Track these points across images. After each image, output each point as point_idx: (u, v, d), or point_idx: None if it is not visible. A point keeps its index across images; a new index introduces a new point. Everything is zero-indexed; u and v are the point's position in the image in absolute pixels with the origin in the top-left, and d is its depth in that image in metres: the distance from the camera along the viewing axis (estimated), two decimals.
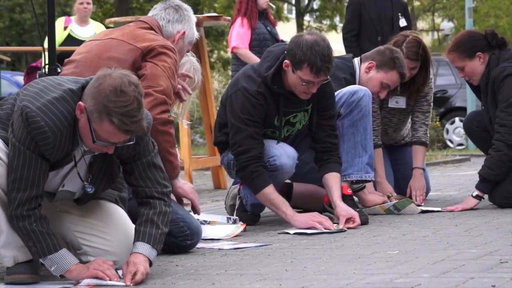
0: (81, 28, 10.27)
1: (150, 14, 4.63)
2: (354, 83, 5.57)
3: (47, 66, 5.41)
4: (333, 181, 5.08)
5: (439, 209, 5.69)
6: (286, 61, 4.90)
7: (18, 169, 3.36)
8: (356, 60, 5.70)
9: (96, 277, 3.39)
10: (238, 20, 9.54)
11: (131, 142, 3.42)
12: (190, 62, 4.99)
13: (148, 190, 3.62)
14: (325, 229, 4.79)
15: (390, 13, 8.99)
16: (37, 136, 3.33)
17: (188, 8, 4.65)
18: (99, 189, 3.65)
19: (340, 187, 5.08)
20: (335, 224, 4.88)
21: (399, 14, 9.01)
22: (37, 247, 3.40)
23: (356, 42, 8.82)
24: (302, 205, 5.74)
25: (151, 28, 4.47)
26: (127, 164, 3.63)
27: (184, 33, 4.55)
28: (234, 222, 5.03)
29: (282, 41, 9.24)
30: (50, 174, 3.49)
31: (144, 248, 3.52)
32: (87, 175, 3.58)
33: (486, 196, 5.69)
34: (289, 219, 4.88)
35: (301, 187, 5.53)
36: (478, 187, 5.62)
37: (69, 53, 9.66)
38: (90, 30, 10.24)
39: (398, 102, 6.08)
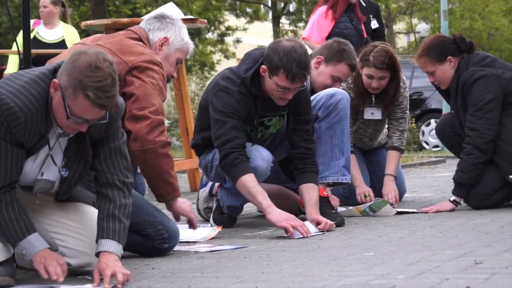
0: (48, 31, 10.18)
1: (136, 27, 4.63)
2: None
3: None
4: (309, 193, 5.03)
5: (414, 210, 5.73)
6: (263, 66, 4.90)
7: None
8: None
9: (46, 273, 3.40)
10: (321, 9, 8.69)
11: (105, 121, 3.44)
12: None
13: (110, 176, 3.61)
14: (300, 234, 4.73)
15: (360, 15, 9.09)
16: (8, 117, 3.33)
17: (173, 16, 4.64)
18: (76, 174, 3.64)
19: (316, 199, 5.02)
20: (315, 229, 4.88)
21: (371, 16, 9.12)
22: (7, 234, 3.42)
23: None
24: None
25: (140, 39, 4.46)
26: (95, 147, 3.63)
27: (166, 39, 4.54)
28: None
29: (367, 38, 8.70)
30: (27, 163, 3.49)
31: (111, 245, 3.51)
32: (63, 159, 3.58)
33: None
34: (264, 210, 4.79)
35: (268, 187, 5.53)
36: (454, 192, 5.65)
37: (37, 56, 9.63)
38: (57, 33, 10.16)
39: (374, 114, 6.11)
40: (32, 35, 10.03)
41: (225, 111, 4.90)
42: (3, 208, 3.40)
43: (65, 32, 10.15)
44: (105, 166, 3.63)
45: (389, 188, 6.00)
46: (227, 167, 4.86)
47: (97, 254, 3.52)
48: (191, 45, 4.68)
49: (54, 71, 3.46)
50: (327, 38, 8.34)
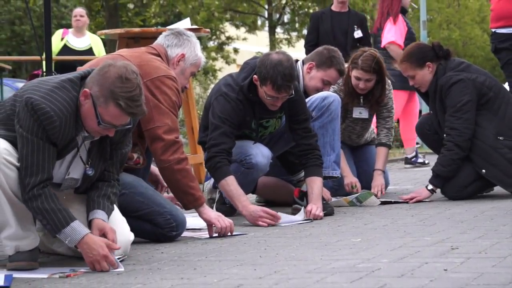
0: (77, 39, 10.25)
1: (155, 42, 4.61)
2: (298, 83, 5.55)
3: (44, 74, 5.38)
4: (311, 186, 5.02)
5: (396, 200, 5.75)
6: (255, 76, 4.91)
7: (28, 156, 3.37)
8: (299, 63, 5.70)
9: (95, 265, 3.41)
10: (400, 18, 8.84)
11: (130, 126, 3.49)
12: None
13: (112, 175, 3.70)
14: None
15: (345, 26, 9.13)
16: (44, 121, 3.34)
17: (189, 33, 4.61)
18: (98, 172, 3.66)
19: (317, 192, 5.01)
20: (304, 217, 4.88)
21: (355, 26, 9.11)
22: (51, 224, 3.40)
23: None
24: (268, 196, 5.78)
25: (159, 55, 4.44)
26: (110, 151, 3.67)
27: (183, 55, 4.52)
28: None
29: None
30: (56, 165, 3.49)
31: (103, 215, 3.57)
32: (88, 159, 3.59)
33: (438, 190, 5.73)
34: (239, 211, 4.83)
35: (264, 180, 5.54)
36: (431, 181, 5.67)
37: (66, 62, 9.67)
38: (85, 41, 10.23)
39: (361, 113, 6.12)
40: (62, 43, 10.14)
41: (221, 116, 4.92)
42: (44, 200, 3.39)
43: (92, 40, 10.20)
44: (111, 167, 3.69)
45: (378, 182, 6.00)
46: (211, 169, 4.90)
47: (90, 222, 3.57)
48: (203, 59, 4.67)
49: (82, 79, 3.46)
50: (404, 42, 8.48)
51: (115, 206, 3.71)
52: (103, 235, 3.49)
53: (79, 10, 10.51)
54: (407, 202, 5.64)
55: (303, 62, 5.70)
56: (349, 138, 6.26)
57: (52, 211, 3.40)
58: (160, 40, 4.57)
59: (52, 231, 3.44)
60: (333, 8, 9.35)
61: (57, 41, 10.31)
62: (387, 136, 6.17)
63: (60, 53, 10.09)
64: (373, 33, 9.26)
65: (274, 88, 4.81)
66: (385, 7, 8.92)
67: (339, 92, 5.91)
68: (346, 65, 5.80)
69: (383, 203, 5.67)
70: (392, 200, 5.77)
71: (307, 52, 8.96)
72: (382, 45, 8.78)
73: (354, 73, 5.87)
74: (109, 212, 3.61)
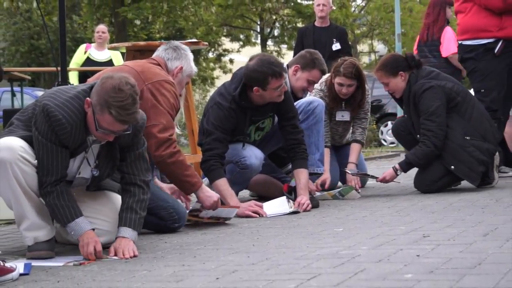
0: (98, 52, 10.33)
1: (154, 54, 4.60)
2: (285, 84, 5.56)
3: (60, 83, 5.39)
4: (299, 177, 5.04)
5: (374, 178, 5.89)
6: (254, 87, 4.89)
7: (44, 158, 3.38)
8: (285, 66, 5.69)
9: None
10: (449, 29, 8.56)
11: (128, 132, 3.45)
12: None
13: (133, 177, 3.62)
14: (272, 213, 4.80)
15: (325, 39, 9.20)
16: (56, 127, 3.35)
17: (185, 47, 4.62)
18: (105, 173, 3.65)
19: (304, 182, 5.03)
20: (292, 208, 4.88)
21: (334, 39, 9.16)
22: (59, 217, 3.43)
23: None
24: (259, 191, 5.78)
25: (159, 65, 4.46)
26: (123, 153, 3.64)
27: (181, 68, 4.54)
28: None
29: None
30: (69, 164, 3.49)
31: (127, 232, 3.53)
32: (95, 161, 3.58)
33: (411, 183, 5.73)
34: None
35: (256, 177, 5.55)
36: (401, 165, 5.71)
37: (89, 72, 9.72)
38: (105, 54, 10.30)
39: (344, 116, 6.15)
40: (85, 56, 10.25)
41: (215, 123, 4.93)
42: (55, 197, 3.41)
43: (112, 54, 10.23)
44: (130, 169, 3.65)
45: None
46: (205, 171, 4.91)
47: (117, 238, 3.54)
48: (195, 69, 4.70)
49: (90, 90, 3.46)
50: None
51: (139, 211, 3.63)
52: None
53: (102, 27, 10.58)
54: (376, 179, 5.80)
55: (288, 66, 5.72)
56: (333, 139, 6.27)
57: (61, 206, 3.42)
58: (160, 53, 4.57)
59: (61, 222, 3.47)
60: (316, 23, 9.43)
61: (81, 54, 10.39)
62: (361, 135, 6.20)
63: (83, 64, 10.18)
64: (421, 44, 8.96)
65: (277, 79, 4.84)
66: (433, 20, 8.67)
67: (325, 98, 5.92)
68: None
69: (359, 174, 5.81)
70: (369, 174, 5.97)
71: None
72: (445, 55, 8.55)
73: (337, 80, 5.88)
74: (134, 224, 3.55)
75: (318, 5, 9.30)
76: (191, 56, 4.62)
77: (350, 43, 9.89)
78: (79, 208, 3.48)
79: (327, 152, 5.86)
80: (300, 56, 5.73)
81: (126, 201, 3.60)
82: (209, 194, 4.36)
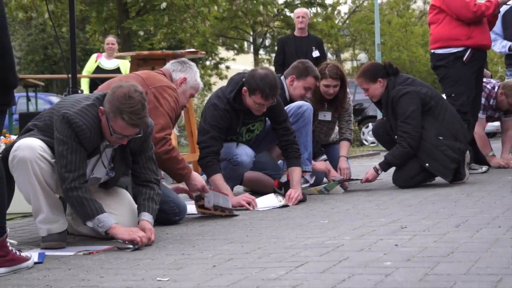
0: (107, 61, 10.36)
1: (164, 67, 4.64)
2: (284, 94, 5.61)
3: (70, 90, 5.38)
4: (292, 174, 5.06)
5: (358, 179, 5.85)
6: (244, 87, 4.91)
7: (67, 155, 3.35)
8: (282, 78, 5.74)
9: (132, 240, 3.38)
10: None
11: (140, 135, 3.47)
12: None
13: (148, 176, 3.67)
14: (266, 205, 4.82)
15: (305, 48, 9.38)
16: (78, 132, 3.35)
17: (191, 62, 4.63)
18: (120, 174, 3.67)
19: (297, 178, 5.04)
20: (281, 200, 4.89)
21: (313, 47, 9.33)
22: (87, 210, 3.38)
23: (282, 69, 9.26)
24: (252, 187, 5.78)
25: (164, 74, 4.47)
26: (135, 156, 3.67)
27: (185, 79, 4.53)
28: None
29: None
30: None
31: (150, 217, 3.58)
32: (110, 164, 3.59)
33: (390, 180, 5.74)
34: None
35: (250, 174, 5.55)
36: (381, 165, 5.72)
37: (98, 79, 9.75)
38: (114, 63, 10.35)
39: (325, 116, 6.18)
40: (96, 65, 10.30)
41: (211, 123, 4.93)
42: (84, 191, 3.39)
43: (120, 62, 10.25)
44: (144, 169, 3.68)
45: (344, 165, 6.07)
46: (203, 166, 4.91)
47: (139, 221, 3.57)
48: (201, 84, 4.70)
49: (102, 99, 3.47)
50: None
51: (157, 202, 3.69)
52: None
53: (111, 39, 10.63)
54: (360, 181, 5.77)
55: (284, 77, 5.74)
56: (319, 137, 6.28)
57: (90, 200, 3.40)
58: (167, 66, 4.63)
59: (86, 216, 3.41)
60: (296, 33, 9.69)
61: (92, 62, 10.42)
62: (350, 134, 6.25)
63: (94, 72, 10.22)
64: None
65: (262, 97, 4.84)
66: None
67: (307, 100, 5.93)
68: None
69: (344, 180, 5.76)
70: (353, 178, 5.95)
71: (276, 70, 9.24)
72: None
73: (324, 82, 5.91)
74: (154, 212, 3.61)
75: (298, 17, 9.66)
76: (196, 70, 4.63)
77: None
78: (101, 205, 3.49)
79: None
80: (293, 67, 5.74)
81: (148, 192, 3.65)
82: (196, 182, 4.38)
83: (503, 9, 7.31)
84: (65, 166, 3.36)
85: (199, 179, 4.42)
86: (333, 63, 5.99)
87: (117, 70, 10.09)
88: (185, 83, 4.54)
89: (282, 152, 5.23)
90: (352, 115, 6.29)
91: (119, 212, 3.65)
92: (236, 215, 4.47)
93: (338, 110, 6.13)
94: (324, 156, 5.96)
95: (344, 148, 6.17)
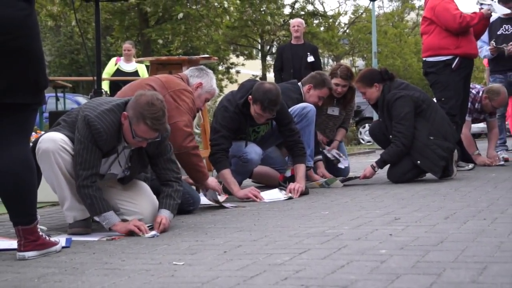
0: (126, 64, 10.44)
1: (183, 72, 4.65)
2: (302, 100, 5.66)
3: (95, 90, 5.41)
4: (297, 171, 5.07)
5: (356, 177, 5.82)
6: (250, 96, 4.91)
7: (83, 154, 3.36)
8: (300, 84, 5.79)
9: (133, 231, 3.38)
10: None
11: (158, 139, 3.47)
12: None
13: (168, 175, 3.65)
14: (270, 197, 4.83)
15: (301, 54, 9.45)
16: (95, 134, 3.35)
17: (208, 70, 4.63)
18: (135, 173, 3.66)
19: (301, 174, 5.04)
20: (285, 194, 4.88)
21: (308, 53, 9.41)
22: (95, 207, 3.38)
23: (280, 73, 9.32)
24: (260, 180, 5.79)
25: (181, 78, 4.47)
26: (154, 159, 3.65)
27: (201, 84, 4.52)
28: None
29: None
30: (102, 162, 3.48)
31: (166, 212, 3.55)
32: (126, 163, 3.58)
33: (385, 175, 5.73)
34: (234, 193, 4.83)
35: (259, 168, 5.56)
36: (377, 162, 5.71)
37: (117, 81, 9.79)
38: (132, 66, 10.44)
39: (334, 111, 6.25)
40: (115, 68, 10.42)
41: (222, 123, 4.94)
42: (95, 190, 3.39)
43: (138, 66, 10.34)
44: (163, 170, 3.66)
45: (334, 146, 6.22)
46: (213, 162, 4.91)
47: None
48: (217, 90, 4.70)
49: (125, 104, 3.46)
50: None
51: (176, 198, 3.66)
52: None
53: (127, 45, 10.68)
54: (359, 178, 5.75)
55: (302, 84, 5.83)
56: (324, 132, 6.28)
57: (100, 198, 3.40)
58: (186, 71, 4.63)
59: (94, 211, 3.41)
60: (292, 42, 9.79)
61: (111, 66, 10.47)
62: (347, 125, 6.41)
63: (114, 74, 10.28)
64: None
65: (261, 108, 4.85)
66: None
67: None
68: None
69: (344, 181, 5.73)
70: (353, 176, 5.91)
71: (275, 74, 9.40)
72: None
73: (334, 81, 6.00)
74: (171, 207, 3.59)
75: (294, 26, 9.77)
76: (212, 77, 4.62)
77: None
78: (109, 203, 3.48)
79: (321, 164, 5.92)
80: (312, 77, 5.83)
81: (166, 190, 3.63)
82: (212, 180, 4.40)
83: (491, 20, 7.29)
84: (80, 164, 3.37)
85: (214, 183, 4.41)
86: (346, 65, 6.06)
87: (136, 73, 10.17)
88: (201, 87, 4.53)
89: (288, 151, 5.25)
90: (353, 110, 6.48)
91: (139, 202, 3.65)
92: (226, 207, 4.46)
93: (346, 108, 6.20)
94: (320, 157, 5.93)
95: (339, 133, 6.29)
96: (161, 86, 4.21)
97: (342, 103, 6.16)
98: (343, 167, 6.12)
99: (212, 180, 4.40)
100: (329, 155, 6.13)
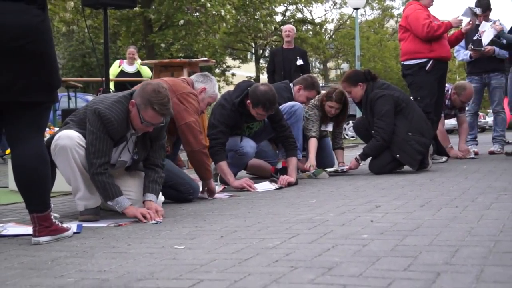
0: (129, 66, 10.45)
1: (189, 77, 4.62)
2: (292, 99, 5.63)
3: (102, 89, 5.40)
4: (288, 163, 5.07)
5: (343, 169, 5.85)
6: (248, 100, 4.89)
7: (96, 144, 3.35)
8: (291, 85, 5.79)
9: (144, 217, 3.37)
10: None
11: (163, 124, 3.49)
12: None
13: (156, 160, 3.65)
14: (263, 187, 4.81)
15: (291, 57, 9.44)
16: (107, 124, 3.35)
17: (212, 76, 4.61)
18: (141, 156, 3.65)
19: (292, 167, 5.02)
20: (275, 185, 4.88)
21: (298, 57, 9.40)
22: (108, 192, 3.37)
23: (272, 75, 9.30)
24: (254, 172, 5.78)
25: (187, 82, 4.45)
26: (150, 142, 3.65)
27: (204, 88, 4.51)
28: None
29: None
30: (113, 151, 3.48)
31: (153, 197, 3.55)
32: (134, 149, 3.58)
33: (367, 168, 5.73)
34: (230, 183, 4.81)
35: (253, 161, 5.55)
36: (360, 156, 5.76)
37: (121, 82, 9.82)
38: (134, 68, 10.40)
39: (327, 127, 6.12)
40: (119, 69, 10.43)
41: (219, 119, 4.92)
42: (107, 176, 3.38)
43: (138, 67, 10.37)
44: (154, 153, 3.65)
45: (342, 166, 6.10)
46: (211, 154, 4.83)
47: (144, 201, 3.55)
48: (218, 95, 4.69)
49: (131, 95, 3.48)
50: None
51: (160, 184, 3.65)
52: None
53: (131, 50, 10.73)
54: (345, 171, 5.78)
55: (294, 84, 5.83)
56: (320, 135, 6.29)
57: (112, 185, 3.39)
58: (192, 77, 4.61)
59: (107, 197, 3.41)
60: (284, 46, 9.76)
61: (115, 67, 10.48)
62: (342, 143, 6.28)
63: (118, 75, 10.29)
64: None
65: (264, 110, 4.84)
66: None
67: (318, 112, 5.92)
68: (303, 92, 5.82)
69: (331, 174, 5.71)
70: (339, 169, 5.90)
71: (268, 77, 9.38)
72: None
73: (329, 104, 5.87)
74: (156, 192, 3.58)
75: (285, 31, 9.75)
76: (215, 83, 4.60)
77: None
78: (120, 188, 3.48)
79: (314, 142, 5.83)
80: (304, 79, 5.84)
81: (152, 175, 3.61)
82: (212, 186, 4.37)
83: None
84: (94, 153, 3.36)
85: (213, 185, 4.41)
86: (340, 90, 5.93)
87: (138, 74, 10.28)
88: (205, 92, 4.52)
89: (281, 144, 5.22)
90: (344, 126, 6.38)
91: (136, 190, 3.65)
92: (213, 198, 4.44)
93: (339, 126, 6.13)
94: (303, 153, 5.92)
95: (339, 156, 6.19)
96: (169, 89, 4.21)
97: (335, 121, 6.09)
98: (344, 169, 6.03)
99: (212, 182, 4.40)
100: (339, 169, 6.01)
